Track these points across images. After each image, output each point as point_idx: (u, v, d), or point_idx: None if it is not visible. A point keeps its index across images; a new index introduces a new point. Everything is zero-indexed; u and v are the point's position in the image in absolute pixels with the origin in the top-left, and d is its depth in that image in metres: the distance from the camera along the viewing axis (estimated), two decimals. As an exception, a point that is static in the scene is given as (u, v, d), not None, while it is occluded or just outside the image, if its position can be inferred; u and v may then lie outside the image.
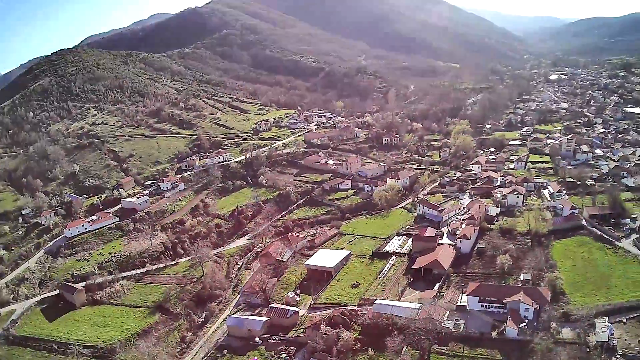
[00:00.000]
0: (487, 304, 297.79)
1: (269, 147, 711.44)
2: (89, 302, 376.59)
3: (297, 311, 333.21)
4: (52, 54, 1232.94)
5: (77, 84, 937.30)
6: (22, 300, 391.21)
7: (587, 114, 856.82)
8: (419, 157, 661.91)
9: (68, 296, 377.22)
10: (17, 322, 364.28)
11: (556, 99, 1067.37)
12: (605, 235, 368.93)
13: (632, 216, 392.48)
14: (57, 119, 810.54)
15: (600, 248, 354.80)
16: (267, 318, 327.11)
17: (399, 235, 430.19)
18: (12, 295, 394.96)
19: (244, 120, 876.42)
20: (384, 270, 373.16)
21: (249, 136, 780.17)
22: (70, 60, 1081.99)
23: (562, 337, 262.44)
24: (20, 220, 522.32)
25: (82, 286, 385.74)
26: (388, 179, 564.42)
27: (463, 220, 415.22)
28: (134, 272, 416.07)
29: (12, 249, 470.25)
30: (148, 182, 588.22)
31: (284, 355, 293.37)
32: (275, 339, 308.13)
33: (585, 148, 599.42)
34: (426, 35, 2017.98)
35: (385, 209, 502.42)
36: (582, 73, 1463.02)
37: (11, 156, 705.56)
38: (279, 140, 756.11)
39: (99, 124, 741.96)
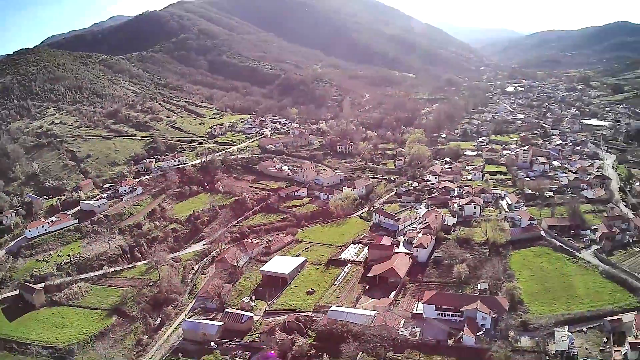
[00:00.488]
0: (444, 312, 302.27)
1: (224, 151, 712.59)
2: (48, 303, 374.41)
3: (252, 316, 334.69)
4: (14, 52, 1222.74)
5: (37, 83, 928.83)
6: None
7: (543, 125, 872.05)
8: (374, 165, 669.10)
9: (28, 296, 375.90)
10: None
11: (512, 110, 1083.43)
12: (564, 246, 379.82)
13: (592, 227, 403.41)
14: (17, 117, 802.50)
15: (560, 258, 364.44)
16: (222, 323, 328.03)
17: (354, 244, 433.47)
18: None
19: (200, 124, 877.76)
20: (339, 277, 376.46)
21: (204, 140, 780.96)
22: (31, 60, 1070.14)
23: (520, 346, 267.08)
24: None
25: (42, 287, 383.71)
26: (344, 187, 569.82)
27: (419, 229, 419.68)
28: (92, 274, 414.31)
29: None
30: (107, 185, 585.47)
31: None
32: (230, 344, 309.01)
33: (542, 159, 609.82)
34: (382, 46, 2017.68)
35: (341, 217, 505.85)
36: (539, 85, 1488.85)
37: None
38: (234, 145, 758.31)
39: (57, 124, 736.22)
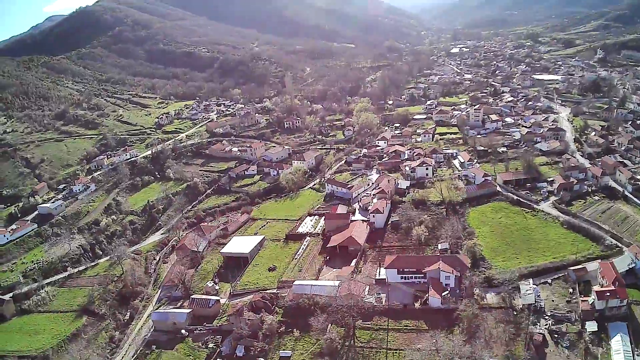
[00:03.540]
0: (407, 275, 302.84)
1: (173, 140, 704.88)
2: (18, 312, 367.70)
3: (219, 300, 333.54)
4: None
5: None
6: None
7: (493, 83, 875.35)
8: (323, 138, 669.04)
9: None
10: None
11: (459, 71, 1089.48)
12: (522, 200, 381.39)
13: (549, 179, 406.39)
14: None
15: (518, 212, 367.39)
16: (190, 309, 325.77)
17: (310, 216, 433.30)
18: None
19: (146, 115, 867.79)
20: (299, 251, 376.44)
21: (153, 131, 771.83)
22: None
23: (487, 303, 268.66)
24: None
25: (10, 297, 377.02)
26: (293, 161, 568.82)
27: (374, 195, 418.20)
28: (57, 277, 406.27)
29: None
30: (61, 186, 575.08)
31: (211, 345, 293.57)
32: (201, 330, 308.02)
33: (494, 117, 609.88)
34: (317, 19, 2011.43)
35: (293, 191, 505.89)
36: (485, 45, 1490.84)
37: None
38: (182, 133, 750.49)
39: (9, 132, 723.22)
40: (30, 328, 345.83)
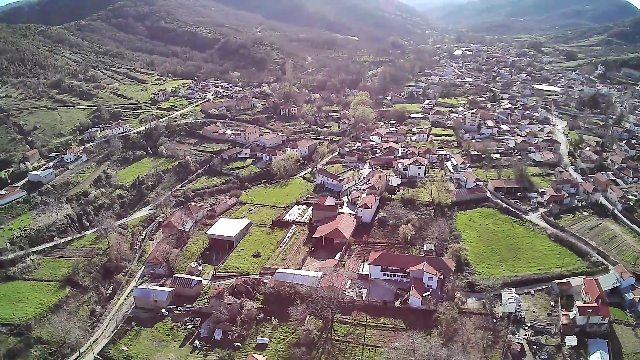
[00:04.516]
0: (390, 273, 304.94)
1: (168, 117, 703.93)
2: (3, 278, 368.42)
3: (201, 281, 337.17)
4: None
5: None
6: None
7: (493, 89, 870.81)
8: (318, 128, 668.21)
9: None
10: None
11: (460, 73, 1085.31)
12: (511, 208, 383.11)
13: (540, 190, 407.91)
14: None
15: (506, 220, 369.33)
16: (172, 288, 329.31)
17: (298, 205, 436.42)
18: None
19: (142, 90, 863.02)
20: (284, 239, 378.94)
21: (147, 106, 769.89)
22: None
23: (467, 307, 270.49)
24: None
25: None
26: (286, 148, 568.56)
27: (363, 190, 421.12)
28: (43, 246, 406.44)
29: None
30: (52, 155, 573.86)
31: (190, 326, 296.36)
32: (181, 310, 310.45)
33: (490, 123, 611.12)
34: (323, 9, 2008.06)
35: (284, 178, 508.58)
36: (488, 50, 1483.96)
37: None
38: (177, 111, 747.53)
39: (2, 97, 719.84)
40: (14, 296, 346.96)
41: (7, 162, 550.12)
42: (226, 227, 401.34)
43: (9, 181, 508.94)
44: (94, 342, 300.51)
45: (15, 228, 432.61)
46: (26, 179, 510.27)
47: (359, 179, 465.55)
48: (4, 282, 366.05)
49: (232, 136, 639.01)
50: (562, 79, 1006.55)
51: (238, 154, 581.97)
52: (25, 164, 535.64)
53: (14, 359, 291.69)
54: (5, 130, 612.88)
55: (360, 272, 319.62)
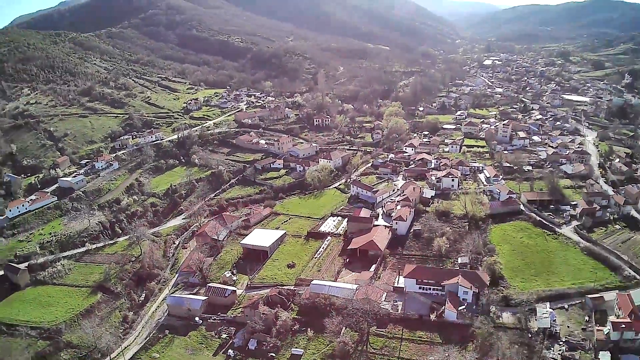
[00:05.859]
0: (425, 287, 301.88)
1: (200, 126, 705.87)
2: (33, 282, 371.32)
3: (235, 290, 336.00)
4: None
5: (9, 64, 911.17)
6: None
7: (523, 99, 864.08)
8: (351, 138, 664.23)
9: (12, 277, 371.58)
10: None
11: (490, 84, 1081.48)
12: (544, 221, 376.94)
13: (572, 203, 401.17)
14: None
15: (540, 234, 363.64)
16: (206, 297, 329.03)
17: (333, 216, 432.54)
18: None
19: (174, 99, 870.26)
20: (319, 250, 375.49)
21: (180, 115, 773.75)
22: (1, 41, 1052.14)
23: (502, 322, 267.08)
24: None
25: (25, 266, 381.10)
26: (320, 159, 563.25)
27: (398, 202, 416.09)
28: (74, 251, 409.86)
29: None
30: (83, 162, 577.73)
31: (224, 335, 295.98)
32: (215, 319, 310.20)
33: (522, 134, 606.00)
34: (354, 18, 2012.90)
35: (318, 189, 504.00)
36: (517, 59, 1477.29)
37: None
38: (209, 120, 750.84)
39: (33, 104, 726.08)
40: (44, 300, 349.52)
41: (38, 168, 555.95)
42: (261, 237, 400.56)
43: (39, 187, 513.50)
44: (125, 348, 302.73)
45: (46, 233, 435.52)
46: (56, 185, 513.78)
47: (393, 190, 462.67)
48: (34, 286, 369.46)
49: (265, 146, 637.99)
50: (591, 89, 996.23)
51: (271, 164, 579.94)
52: (55, 170, 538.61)
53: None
54: (35, 136, 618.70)
55: (395, 284, 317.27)
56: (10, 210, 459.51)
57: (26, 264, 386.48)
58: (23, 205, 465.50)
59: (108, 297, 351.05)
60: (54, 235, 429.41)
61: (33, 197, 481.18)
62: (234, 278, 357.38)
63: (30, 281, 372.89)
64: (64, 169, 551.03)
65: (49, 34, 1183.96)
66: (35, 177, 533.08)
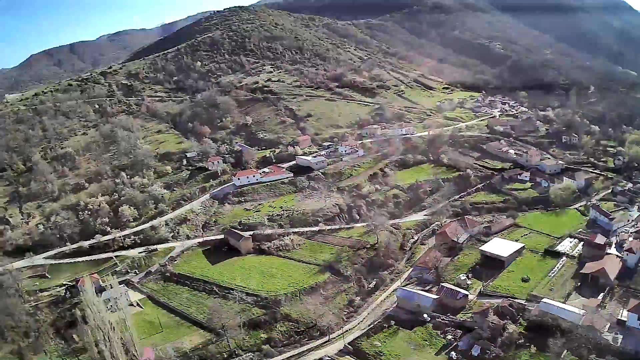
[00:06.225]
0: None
1: (453, 127, 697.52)
2: (255, 251, 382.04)
3: (467, 295, 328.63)
4: (224, 9, 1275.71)
5: (252, 40, 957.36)
6: (182, 239, 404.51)
7: None
8: (594, 161, 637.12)
9: (233, 242, 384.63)
10: (175, 260, 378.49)
11: None
12: None
13: None
14: (229, 71, 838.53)
15: None
16: (437, 296, 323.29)
17: (571, 237, 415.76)
18: (172, 234, 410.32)
19: (428, 96, 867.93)
20: (554, 269, 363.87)
21: (432, 113, 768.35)
22: (245, 18, 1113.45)
23: None
24: (184, 162, 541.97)
25: (250, 235, 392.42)
26: (565, 177, 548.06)
27: (631, 232, 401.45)
28: (306, 229, 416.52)
29: (174, 189, 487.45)
30: (325, 143, 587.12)
31: (449, 337, 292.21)
32: (443, 319, 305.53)
33: None
34: (608, 39, 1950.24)
35: (560, 207, 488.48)
36: None
37: (175, 101, 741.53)
38: (462, 122, 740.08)
39: (275, 81, 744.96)
40: (266, 269, 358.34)
41: (274, 143, 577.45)
42: (500, 246, 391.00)
43: (273, 160, 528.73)
44: (346, 331, 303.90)
45: (277, 207, 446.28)
46: (294, 162, 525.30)
47: (628, 220, 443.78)
48: (256, 254, 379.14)
49: (514, 156, 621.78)
50: None
51: (518, 175, 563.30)
52: (294, 147, 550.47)
53: (254, 329, 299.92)
54: (275, 112, 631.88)
55: (619, 317, 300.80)
56: (238, 179, 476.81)
57: (251, 232, 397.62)
58: (254, 176, 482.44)
59: (337, 278, 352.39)
60: (285, 210, 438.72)
61: (266, 169, 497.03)
62: (468, 282, 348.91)
63: (252, 249, 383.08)
64: (304, 147, 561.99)
65: (302, 17, 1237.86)
66: (270, 151, 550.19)
